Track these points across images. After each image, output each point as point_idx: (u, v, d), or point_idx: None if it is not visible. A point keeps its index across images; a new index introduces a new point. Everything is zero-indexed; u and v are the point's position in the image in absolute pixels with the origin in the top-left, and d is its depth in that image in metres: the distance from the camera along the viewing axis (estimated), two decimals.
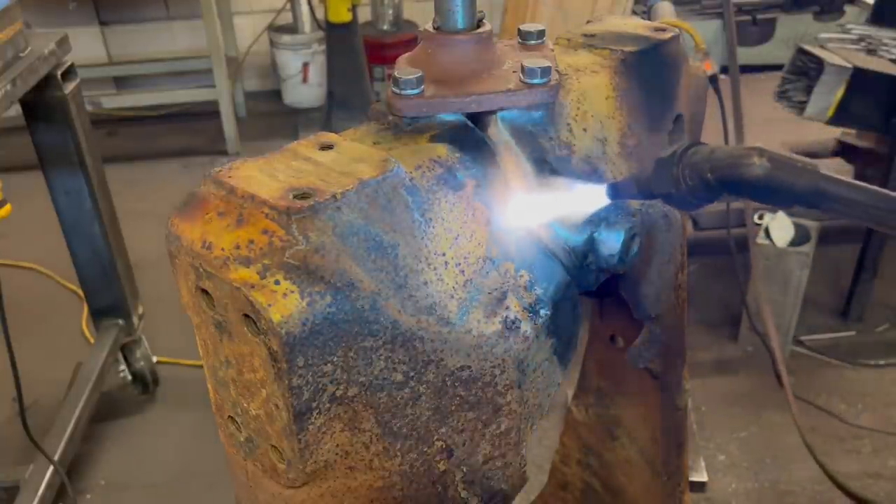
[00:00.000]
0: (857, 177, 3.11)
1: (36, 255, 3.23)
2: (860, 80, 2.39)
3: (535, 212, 0.73)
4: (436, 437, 0.68)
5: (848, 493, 2.02)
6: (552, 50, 0.80)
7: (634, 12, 2.70)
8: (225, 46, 4.36)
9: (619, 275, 0.82)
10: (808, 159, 0.62)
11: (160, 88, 4.67)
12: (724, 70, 2.47)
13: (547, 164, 0.75)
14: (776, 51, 2.79)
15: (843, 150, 3.14)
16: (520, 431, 0.76)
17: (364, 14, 4.24)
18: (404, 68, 0.73)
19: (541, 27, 0.80)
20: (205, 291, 0.59)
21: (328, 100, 4.09)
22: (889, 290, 2.82)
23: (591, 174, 0.78)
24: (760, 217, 2.56)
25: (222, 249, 0.57)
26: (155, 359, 2.59)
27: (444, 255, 0.65)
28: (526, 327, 0.72)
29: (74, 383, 2.28)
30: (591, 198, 0.74)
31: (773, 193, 0.61)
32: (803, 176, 0.60)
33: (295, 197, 0.58)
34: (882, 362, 2.59)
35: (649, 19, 1.98)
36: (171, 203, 0.65)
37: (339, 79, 3.98)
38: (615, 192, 0.72)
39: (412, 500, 0.69)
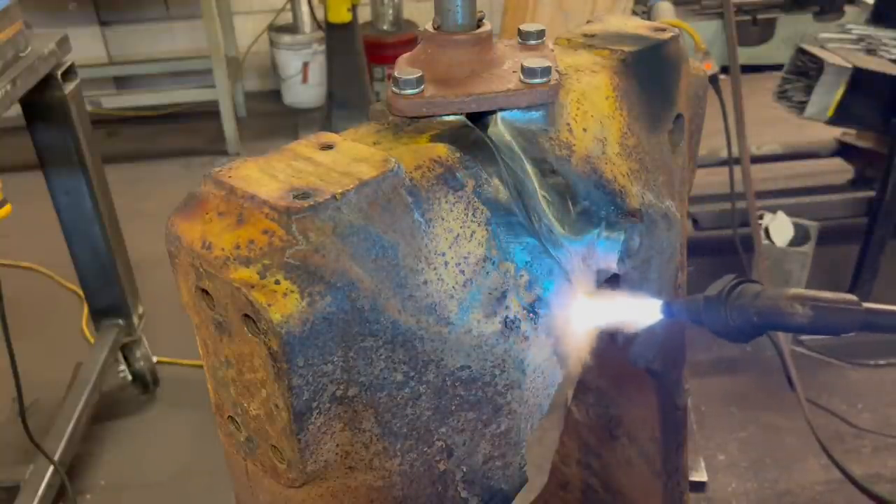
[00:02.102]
0: (858, 177, 3.11)
1: (36, 255, 3.23)
2: (860, 80, 2.39)
3: (592, 316, 0.77)
4: (436, 437, 0.68)
5: (868, 493, 2.01)
6: (552, 50, 0.80)
7: (634, 12, 2.70)
8: (225, 46, 4.35)
9: (619, 275, 0.82)
10: (846, 295, 0.66)
11: (160, 88, 4.67)
12: (725, 70, 2.47)
13: (547, 164, 0.75)
14: (776, 51, 2.78)
15: (843, 150, 3.14)
16: (520, 431, 0.76)
17: (364, 14, 4.23)
18: (404, 68, 0.73)
19: (541, 27, 0.80)
20: (205, 291, 0.59)
21: (328, 100, 4.09)
22: (889, 290, 2.82)
23: (592, 172, 0.78)
24: (760, 217, 2.56)
25: (222, 249, 0.57)
26: (155, 359, 2.59)
27: (444, 255, 0.65)
28: (526, 327, 0.72)
29: (74, 383, 2.28)
30: (645, 310, 0.78)
31: (820, 332, 0.67)
32: (846, 315, 0.65)
33: (295, 197, 0.58)
34: (882, 362, 2.58)
35: (649, 19, 1.98)
36: (171, 203, 0.65)
37: (339, 79, 3.97)
38: (669, 311, 0.77)
39: (412, 499, 0.69)
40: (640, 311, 0.78)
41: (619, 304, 0.79)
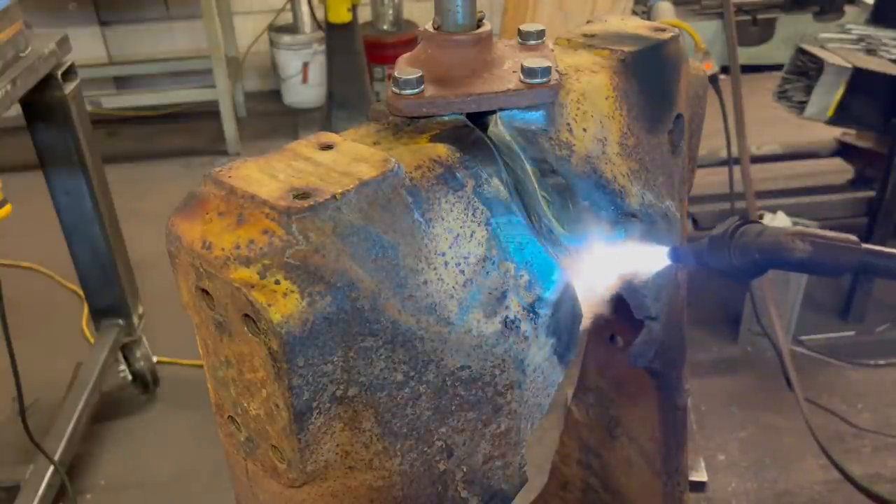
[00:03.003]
0: (857, 177, 3.11)
1: (36, 255, 3.23)
2: (860, 80, 2.39)
3: (603, 265, 0.79)
4: (436, 437, 0.68)
5: (868, 493, 2.01)
6: (552, 50, 0.80)
7: (634, 12, 2.70)
8: (225, 46, 4.36)
9: None
10: (846, 235, 0.67)
11: (160, 88, 4.67)
12: (725, 70, 2.47)
13: (547, 164, 0.75)
14: (776, 51, 2.78)
15: (843, 150, 3.14)
16: (520, 431, 0.76)
17: (364, 14, 4.24)
18: (404, 68, 0.73)
19: (541, 27, 0.80)
20: (205, 291, 0.59)
21: (328, 100, 4.09)
22: (889, 290, 2.82)
23: (592, 172, 0.78)
24: (760, 217, 2.56)
25: (222, 249, 0.57)
26: (155, 359, 2.59)
27: (444, 255, 0.65)
28: (526, 327, 0.72)
29: (74, 383, 2.28)
30: (653, 257, 0.80)
31: (819, 270, 0.68)
32: (846, 253, 0.66)
33: (295, 197, 0.58)
34: (882, 362, 2.58)
35: (649, 19, 1.98)
36: (171, 203, 0.65)
37: (339, 79, 3.98)
38: (676, 256, 0.79)
39: (412, 499, 0.69)
40: (648, 259, 0.80)
41: (628, 252, 0.80)
